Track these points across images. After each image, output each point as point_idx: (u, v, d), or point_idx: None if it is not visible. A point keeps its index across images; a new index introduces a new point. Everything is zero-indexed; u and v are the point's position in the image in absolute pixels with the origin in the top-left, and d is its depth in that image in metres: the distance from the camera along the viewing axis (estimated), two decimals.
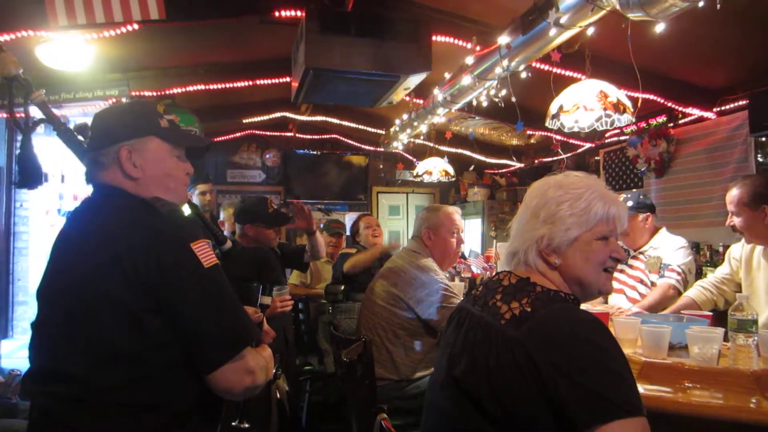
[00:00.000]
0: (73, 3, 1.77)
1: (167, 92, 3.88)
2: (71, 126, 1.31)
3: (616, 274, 2.68)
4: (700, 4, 1.74)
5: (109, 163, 1.19)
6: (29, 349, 1.17)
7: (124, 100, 3.48)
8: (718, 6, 1.63)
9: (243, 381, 1.12)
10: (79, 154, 1.29)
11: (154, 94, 3.92)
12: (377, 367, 2.09)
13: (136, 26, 2.56)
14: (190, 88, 3.90)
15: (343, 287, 3.39)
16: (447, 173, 4.90)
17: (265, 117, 5.57)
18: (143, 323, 1.06)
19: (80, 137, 1.30)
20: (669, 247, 2.58)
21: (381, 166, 7.07)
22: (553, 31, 2.28)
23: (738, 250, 2.25)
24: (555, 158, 5.29)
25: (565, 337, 1.00)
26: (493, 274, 1.52)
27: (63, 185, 4.20)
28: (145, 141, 1.20)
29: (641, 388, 1.30)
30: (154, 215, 1.15)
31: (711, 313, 2.00)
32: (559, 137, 4.72)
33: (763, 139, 3.27)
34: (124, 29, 2.60)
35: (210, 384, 1.10)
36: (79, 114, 3.59)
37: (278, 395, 2.06)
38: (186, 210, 1.42)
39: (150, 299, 1.06)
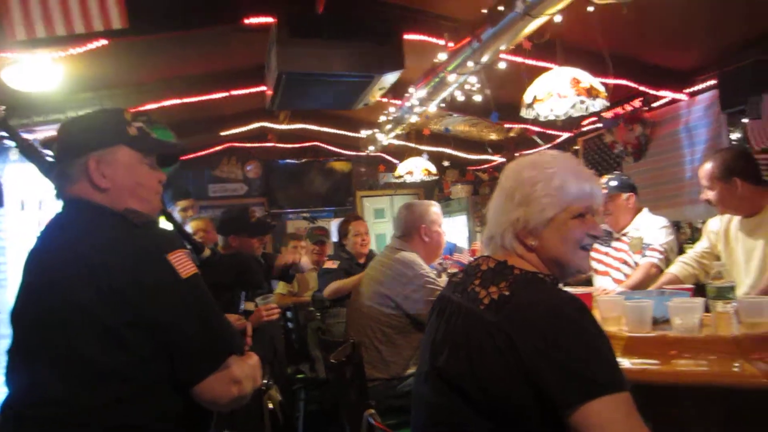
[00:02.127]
0: (31, 15, 1.70)
1: (141, 109, 3.84)
2: (36, 142, 1.28)
3: (600, 257, 2.70)
4: None
5: (78, 175, 1.15)
6: (6, 375, 1.12)
7: None
8: None
9: (229, 391, 1.09)
10: (44, 170, 1.26)
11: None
12: (368, 368, 2.08)
13: (105, 42, 2.52)
14: (165, 103, 3.86)
15: None
16: (429, 172, 4.90)
17: (244, 128, 5.53)
18: (122, 338, 1.03)
19: (47, 151, 1.27)
20: (651, 228, 2.61)
21: (363, 170, 7.06)
22: (522, 21, 2.30)
23: (716, 223, 2.28)
24: (535, 150, 5.33)
25: (544, 318, 0.99)
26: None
27: (41, 212, 4.11)
28: (113, 150, 1.16)
29: (627, 363, 1.31)
30: (128, 230, 1.10)
31: (692, 286, 2.02)
32: (537, 129, 4.76)
33: (734, 115, 3.32)
34: (91, 45, 2.56)
35: (196, 396, 1.07)
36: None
37: (271, 405, 2.03)
38: (162, 223, 1.39)
39: (127, 313, 1.03)
